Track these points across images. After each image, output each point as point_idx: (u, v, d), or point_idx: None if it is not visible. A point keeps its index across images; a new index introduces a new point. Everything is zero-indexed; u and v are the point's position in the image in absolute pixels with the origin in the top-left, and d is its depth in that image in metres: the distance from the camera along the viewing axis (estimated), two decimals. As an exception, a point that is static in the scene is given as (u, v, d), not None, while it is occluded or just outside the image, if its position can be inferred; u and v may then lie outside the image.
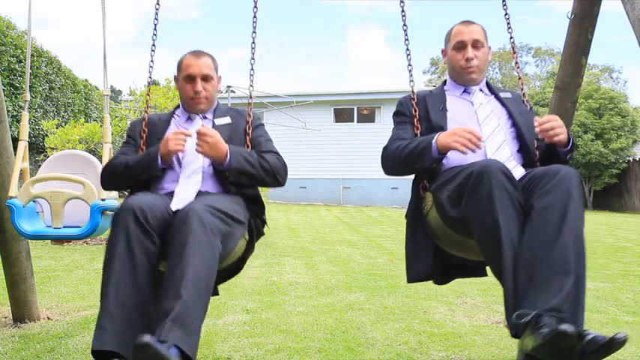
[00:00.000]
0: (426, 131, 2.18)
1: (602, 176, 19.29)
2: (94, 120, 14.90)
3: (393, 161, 2.16)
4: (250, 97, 2.41)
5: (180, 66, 2.32)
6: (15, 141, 2.94)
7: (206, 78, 2.30)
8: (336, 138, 17.97)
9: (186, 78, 2.29)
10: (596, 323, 3.60)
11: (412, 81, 2.30)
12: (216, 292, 2.26)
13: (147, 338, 1.47)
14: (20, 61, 11.50)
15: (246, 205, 2.17)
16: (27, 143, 2.90)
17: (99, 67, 2.91)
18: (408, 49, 2.34)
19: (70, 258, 5.65)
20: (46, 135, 7.24)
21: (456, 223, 1.89)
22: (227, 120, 2.36)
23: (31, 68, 12.04)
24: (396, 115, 2.33)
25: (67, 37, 66.05)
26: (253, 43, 2.38)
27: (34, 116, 12.27)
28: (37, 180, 2.80)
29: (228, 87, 12.34)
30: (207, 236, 1.77)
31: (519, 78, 2.41)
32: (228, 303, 3.82)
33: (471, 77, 2.25)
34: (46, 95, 13.07)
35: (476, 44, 2.23)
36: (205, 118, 2.37)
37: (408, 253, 2.19)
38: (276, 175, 2.25)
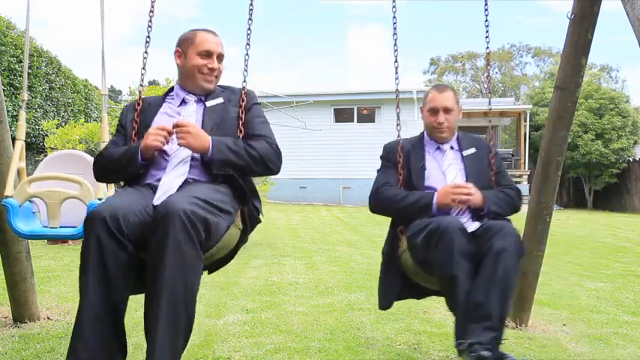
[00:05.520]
0: (406, 178, 2.57)
1: (602, 176, 19.27)
2: (94, 120, 14.89)
3: (385, 207, 2.53)
4: (244, 81, 2.27)
5: (192, 40, 2.21)
6: (13, 141, 2.93)
7: (220, 58, 2.25)
8: (336, 138, 17.95)
9: (203, 53, 2.19)
10: (596, 323, 3.60)
11: (399, 136, 2.65)
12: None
13: None
14: (20, 61, 11.48)
15: (236, 194, 2.05)
16: (24, 142, 2.86)
17: (99, 66, 2.90)
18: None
19: (70, 258, 5.64)
20: (46, 135, 7.24)
21: (424, 264, 2.27)
22: (219, 100, 2.23)
23: (30, 68, 12.04)
24: (382, 158, 2.68)
25: (67, 37, 66.07)
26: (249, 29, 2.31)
27: (34, 116, 12.27)
28: (34, 179, 2.76)
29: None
30: (188, 243, 1.70)
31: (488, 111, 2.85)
32: (228, 303, 3.82)
33: (442, 136, 2.63)
34: (46, 95, 13.06)
35: (447, 110, 2.57)
36: (200, 100, 2.25)
37: (382, 286, 2.54)
38: (266, 163, 2.10)
